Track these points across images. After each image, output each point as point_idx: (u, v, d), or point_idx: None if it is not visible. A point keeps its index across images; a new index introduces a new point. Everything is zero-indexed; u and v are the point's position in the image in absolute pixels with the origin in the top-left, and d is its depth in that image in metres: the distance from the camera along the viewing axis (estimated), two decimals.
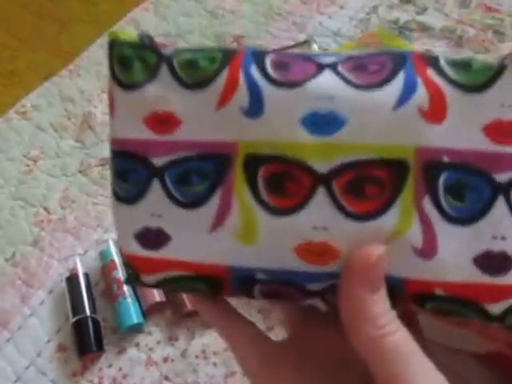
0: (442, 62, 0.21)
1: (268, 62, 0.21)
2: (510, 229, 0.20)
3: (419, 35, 0.65)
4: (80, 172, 0.55)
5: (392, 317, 0.20)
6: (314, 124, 0.20)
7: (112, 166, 0.23)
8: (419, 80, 0.20)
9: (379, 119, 0.20)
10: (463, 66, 0.20)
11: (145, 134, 0.22)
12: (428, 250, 0.20)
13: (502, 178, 0.20)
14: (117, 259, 0.47)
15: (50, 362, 0.43)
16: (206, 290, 0.23)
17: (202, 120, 0.22)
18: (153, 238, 0.22)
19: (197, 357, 0.43)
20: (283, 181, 0.21)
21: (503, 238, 0.20)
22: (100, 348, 0.43)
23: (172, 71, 0.22)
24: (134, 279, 0.23)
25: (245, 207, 0.21)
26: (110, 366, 0.43)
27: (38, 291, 0.47)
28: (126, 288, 0.44)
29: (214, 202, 0.21)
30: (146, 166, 0.22)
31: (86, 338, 0.43)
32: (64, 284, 0.46)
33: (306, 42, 0.62)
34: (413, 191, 0.20)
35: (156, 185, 0.22)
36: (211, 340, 0.43)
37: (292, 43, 0.63)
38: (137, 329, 0.44)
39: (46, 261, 0.49)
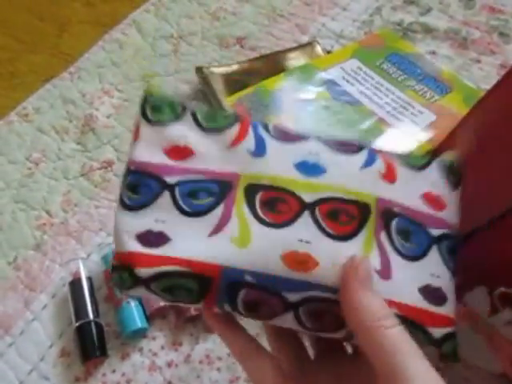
0: (392, 152, 0.28)
1: (270, 126, 0.28)
2: (442, 271, 0.27)
3: (423, 37, 0.66)
4: (82, 175, 0.56)
5: (388, 312, 0.23)
6: (304, 169, 0.27)
7: (124, 180, 0.27)
8: (378, 156, 0.28)
9: (350, 174, 0.27)
10: (406, 155, 0.28)
11: (162, 159, 0.27)
12: (385, 273, 0.25)
13: (434, 232, 0.27)
14: None
15: (53, 367, 0.44)
16: (196, 292, 0.25)
17: (213, 154, 0.27)
18: (153, 238, 0.25)
19: (201, 362, 0.43)
20: (276, 202, 0.26)
21: (438, 277, 0.27)
22: (103, 353, 0.43)
23: (195, 118, 0.28)
24: (125, 279, 0.25)
25: (242, 219, 0.25)
26: (113, 371, 0.43)
27: (41, 295, 0.48)
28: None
29: (216, 213, 0.26)
30: (159, 182, 0.26)
31: (90, 343, 0.43)
32: (66, 288, 0.47)
33: (309, 44, 0.63)
34: (374, 226, 0.26)
35: (166, 195, 0.26)
36: (215, 345, 0.44)
37: (295, 45, 0.64)
38: (140, 333, 0.44)
39: (49, 265, 0.50)
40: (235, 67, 0.60)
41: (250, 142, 0.27)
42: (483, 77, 0.61)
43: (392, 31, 0.65)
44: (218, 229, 0.25)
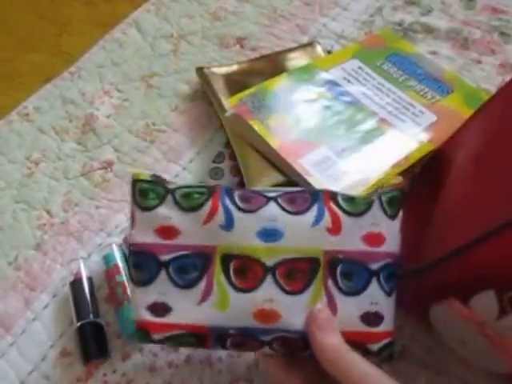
0: (339, 198, 0.36)
1: (236, 196, 0.36)
2: (380, 297, 0.35)
3: (424, 37, 0.66)
4: (82, 175, 0.56)
5: (342, 346, 0.33)
6: (264, 235, 0.35)
7: (130, 260, 0.37)
8: (326, 210, 0.35)
9: (302, 232, 0.35)
10: (350, 201, 0.36)
11: (155, 239, 0.36)
12: (332, 311, 0.34)
13: (374, 266, 0.35)
14: (120, 263, 0.48)
15: (54, 367, 0.44)
16: (196, 343, 0.36)
17: (193, 231, 0.35)
18: (160, 309, 0.36)
19: (201, 363, 0.44)
20: (246, 270, 0.35)
21: (376, 303, 0.35)
22: (105, 354, 0.43)
23: (174, 199, 0.36)
24: (144, 337, 0.36)
25: (221, 287, 0.35)
26: (114, 371, 0.44)
27: (42, 295, 0.48)
28: (130, 292, 0.45)
29: (201, 285, 0.35)
30: (155, 261, 0.36)
31: (91, 344, 0.44)
32: (67, 288, 0.47)
33: (310, 45, 0.63)
34: (322, 275, 0.35)
35: (163, 273, 0.36)
36: None
37: (295, 45, 0.64)
38: None
39: (49, 264, 0.50)
40: (236, 67, 0.60)
41: (220, 217, 0.35)
42: (484, 77, 0.61)
43: (392, 31, 0.65)
44: (203, 298, 0.35)
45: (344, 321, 0.35)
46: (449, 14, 0.68)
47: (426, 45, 0.65)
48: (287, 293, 0.35)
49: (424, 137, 0.52)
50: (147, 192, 0.36)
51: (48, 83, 0.64)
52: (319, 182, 0.46)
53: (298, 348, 0.35)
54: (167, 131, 0.59)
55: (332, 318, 0.34)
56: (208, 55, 0.65)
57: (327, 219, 0.35)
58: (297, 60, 0.61)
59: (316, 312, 0.34)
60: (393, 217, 0.36)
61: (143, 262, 0.36)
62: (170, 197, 0.36)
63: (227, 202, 0.36)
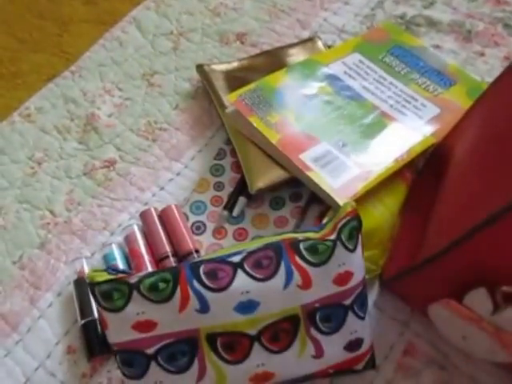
0: (301, 248, 0.38)
1: (202, 274, 0.37)
2: (357, 325, 0.39)
3: (427, 30, 0.67)
4: (85, 174, 0.58)
5: None
6: (241, 309, 0.37)
7: (118, 358, 0.38)
8: (293, 268, 0.37)
9: (277, 296, 0.37)
10: (313, 251, 0.38)
11: (135, 335, 0.36)
12: (319, 354, 0.39)
13: (347, 301, 0.39)
14: (120, 263, 0.49)
15: (60, 364, 0.46)
16: None
17: (171, 319, 0.36)
18: None
19: None
20: (233, 344, 0.37)
21: (356, 331, 0.39)
22: (108, 350, 0.45)
23: (141, 294, 0.36)
24: None
25: (215, 365, 0.37)
26: (118, 367, 0.45)
27: (46, 294, 0.50)
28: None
29: (194, 367, 0.37)
30: (143, 356, 0.37)
31: (95, 341, 0.45)
32: (71, 286, 0.48)
33: (310, 40, 0.64)
34: (304, 327, 0.38)
35: (153, 365, 0.37)
36: None
37: (296, 41, 0.65)
38: None
39: (53, 263, 0.51)
40: (236, 64, 0.62)
41: (194, 302, 0.36)
42: (488, 70, 0.62)
43: (395, 24, 0.66)
44: (200, 377, 0.37)
45: (331, 356, 0.39)
46: (452, 7, 0.68)
47: (429, 38, 0.65)
48: (276, 353, 0.38)
49: (426, 130, 0.53)
50: (111, 293, 0.36)
51: (49, 83, 0.65)
52: (319, 176, 0.47)
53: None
54: (169, 129, 0.60)
55: None
56: (208, 52, 0.67)
57: (297, 277, 0.37)
58: (297, 55, 0.62)
59: None
60: (354, 249, 0.38)
61: (131, 359, 0.37)
62: (135, 293, 0.36)
63: (196, 285, 0.36)
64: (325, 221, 0.46)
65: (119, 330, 0.37)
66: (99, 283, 0.36)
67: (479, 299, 0.34)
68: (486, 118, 0.44)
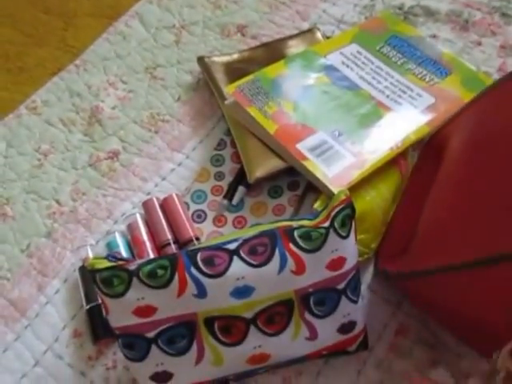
0: (295, 235, 0.38)
1: (199, 260, 0.37)
2: (350, 308, 0.40)
3: (424, 20, 0.66)
4: (90, 165, 0.58)
5: None
6: (237, 294, 0.37)
7: (120, 342, 0.38)
8: (288, 254, 0.38)
9: (271, 281, 0.38)
10: (307, 238, 0.38)
11: (135, 320, 0.37)
12: (313, 336, 0.40)
13: (341, 286, 0.39)
14: (123, 250, 0.50)
15: (67, 347, 0.47)
16: None
17: (169, 304, 0.37)
18: (162, 376, 0.39)
19: None
20: (230, 327, 0.38)
21: (348, 314, 0.40)
22: (113, 334, 0.45)
23: (141, 280, 0.37)
24: None
25: (212, 347, 0.38)
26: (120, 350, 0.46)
27: (53, 281, 0.51)
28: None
29: (193, 349, 0.38)
30: (143, 339, 0.38)
31: (100, 325, 0.46)
32: (77, 273, 0.49)
33: (310, 31, 0.64)
34: (298, 311, 0.39)
35: (154, 348, 0.38)
36: None
37: (296, 32, 0.65)
38: None
39: (60, 251, 0.52)
40: (236, 56, 0.62)
41: (191, 288, 0.37)
42: (484, 59, 0.61)
43: (393, 14, 0.66)
44: (199, 359, 0.38)
45: (324, 339, 0.40)
46: None
47: (427, 28, 0.65)
48: (272, 335, 0.39)
49: (421, 119, 0.53)
50: (111, 280, 0.37)
51: (55, 77, 0.66)
52: (315, 165, 0.48)
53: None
54: (171, 121, 0.61)
55: None
56: (210, 44, 0.67)
57: (291, 263, 0.38)
58: (297, 47, 0.62)
59: None
60: (347, 235, 0.39)
61: (132, 342, 0.38)
62: (135, 279, 0.37)
63: (193, 271, 0.37)
64: (316, 205, 0.46)
65: (120, 315, 0.37)
66: (100, 270, 0.37)
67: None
68: (484, 114, 0.44)
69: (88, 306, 0.47)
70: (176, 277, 0.37)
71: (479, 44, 0.63)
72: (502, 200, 0.34)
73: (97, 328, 0.46)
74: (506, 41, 0.62)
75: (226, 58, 0.61)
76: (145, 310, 0.37)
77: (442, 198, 0.41)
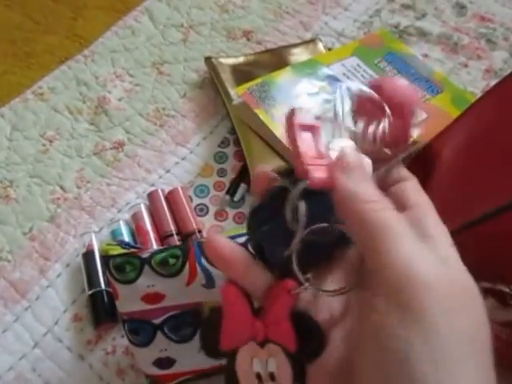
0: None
1: None
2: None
3: (417, 40, 0.66)
4: (95, 154, 0.56)
5: (379, 196, 0.21)
6: None
7: (126, 327, 0.37)
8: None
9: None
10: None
11: (143, 306, 0.36)
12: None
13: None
14: (126, 238, 0.48)
15: (67, 331, 0.45)
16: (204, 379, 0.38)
17: (178, 292, 0.36)
18: (165, 362, 0.38)
19: None
20: None
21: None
22: (114, 319, 0.44)
23: (152, 268, 0.35)
24: None
25: None
26: (122, 336, 0.44)
27: (55, 265, 0.48)
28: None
29: (198, 337, 0.36)
30: (150, 325, 0.36)
31: (101, 310, 0.44)
32: (80, 259, 0.47)
33: (312, 41, 0.63)
34: None
35: (159, 334, 0.37)
36: None
37: (298, 41, 0.64)
38: None
39: (63, 236, 0.50)
40: (242, 59, 0.60)
41: (201, 277, 0.36)
42: (470, 80, 0.62)
43: (390, 32, 0.66)
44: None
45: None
46: (441, 20, 0.68)
47: (419, 47, 0.65)
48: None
49: (413, 133, 0.53)
50: (124, 266, 0.36)
51: (63, 65, 0.63)
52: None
53: None
54: (176, 116, 0.59)
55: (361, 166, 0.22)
56: (216, 46, 0.65)
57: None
58: (299, 55, 0.61)
59: (344, 154, 0.22)
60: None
61: (138, 328, 0.37)
62: (147, 267, 0.35)
63: (204, 262, 0.36)
64: None
65: (129, 300, 0.36)
66: (113, 256, 0.36)
67: None
68: (474, 127, 0.44)
69: (90, 292, 0.45)
70: (187, 266, 0.36)
71: (466, 66, 0.64)
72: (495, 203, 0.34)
73: (98, 313, 0.44)
74: (490, 65, 0.63)
75: (232, 60, 0.60)
76: (153, 297, 0.36)
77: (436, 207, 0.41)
